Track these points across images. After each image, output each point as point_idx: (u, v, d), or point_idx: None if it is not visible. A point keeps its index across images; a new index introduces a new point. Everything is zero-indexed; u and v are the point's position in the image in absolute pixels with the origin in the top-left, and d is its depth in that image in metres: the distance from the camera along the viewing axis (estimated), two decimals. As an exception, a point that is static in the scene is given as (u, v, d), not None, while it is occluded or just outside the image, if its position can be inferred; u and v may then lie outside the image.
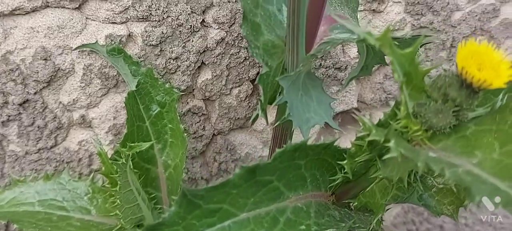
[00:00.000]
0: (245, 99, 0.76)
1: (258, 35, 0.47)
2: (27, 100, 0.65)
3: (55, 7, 0.62)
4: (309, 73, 0.52)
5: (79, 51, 0.65)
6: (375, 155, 0.42)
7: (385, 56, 0.57)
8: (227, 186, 0.36)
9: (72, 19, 0.63)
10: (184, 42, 0.67)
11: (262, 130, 0.81)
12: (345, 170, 0.44)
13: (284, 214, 0.41)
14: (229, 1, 0.67)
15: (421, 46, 0.54)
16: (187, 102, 0.74)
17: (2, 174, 0.69)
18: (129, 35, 0.66)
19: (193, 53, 0.68)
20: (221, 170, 0.82)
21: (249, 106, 0.77)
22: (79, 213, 0.61)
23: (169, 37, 0.66)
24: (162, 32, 0.65)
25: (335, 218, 0.45)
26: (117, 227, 0.59)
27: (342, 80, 0.79)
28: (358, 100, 0.85)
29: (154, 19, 0.65)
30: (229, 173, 0.82)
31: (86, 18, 0.64)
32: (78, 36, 0.64)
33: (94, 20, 0.64)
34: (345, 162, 0.44)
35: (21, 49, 0.62)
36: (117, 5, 0.63)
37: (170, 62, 0.68)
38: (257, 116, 0.49)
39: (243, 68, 0.73)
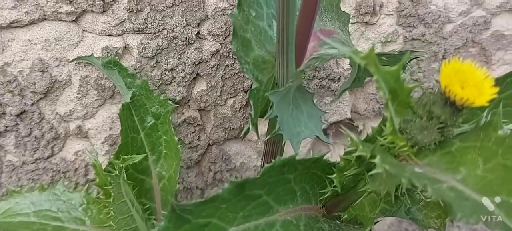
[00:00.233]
0: (239, 109, 0.77)
1: (249, 51, 0.48)
2: (24, 111, 0.66)
3: (52, 20, 0.63)
4: (300, 88, 0.53)
5: (75, 63, 0.66)
6: (363, 169, 0.43)
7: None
8: (216, 201, 0.37)
9: (69, 31, 0.64)
10: (180, 54, 0.68)
11: (256, 140, 0.82)
12: (335, 184, 0.45)
13: (274, 227, 0.41)
14: (223, 14, 0.68)
15: (413, 59, 0.54)
16: (183, 113, 0.75)
17: (0, 184, 0.70)
18: (125, 47, 0.67)
19: (188, 65, 0.69)
20: (216, 179, 0.83)
21: (244, 117, 0.78)
22: (74, 224, 0.62)
23: (165, 49, 0.67)
24: (158, 44, 0.66)
25: (325, 230, 0.46)
26: (111, 238, 0.60)
27: (335, 91, 0.80)
28: (351, 111, 0.85)
29: (149, 32, 0.66)
30: (224, 183, 0.82)
31: (83, 30, 0.65)
32: (75, 48, 0.65)
33: (91, 33, 0.65)
34: (334, 175, 0.44)
35: (18, 61, 0.63)
36: (113, 18, 0.64)
37: (165, 73, 0.69)
38: (248, 129, 0.50)
39: (237, 80, 0.73)
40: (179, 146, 0.64)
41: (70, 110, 0.68)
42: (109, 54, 0.65)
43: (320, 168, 0.46)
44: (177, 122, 0.75)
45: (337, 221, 0.49)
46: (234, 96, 0.75)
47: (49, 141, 0.69)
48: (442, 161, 0.38)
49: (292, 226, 0.43)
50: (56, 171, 0.71)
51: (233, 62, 0.72)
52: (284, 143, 0.51)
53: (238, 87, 0.74)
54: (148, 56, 0.67)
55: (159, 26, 0.65)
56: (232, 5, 0.68)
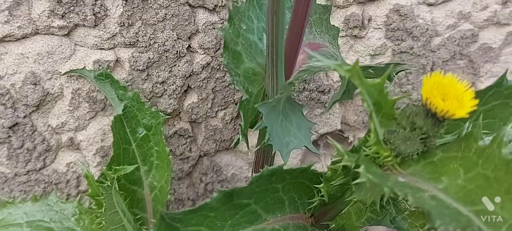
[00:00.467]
0: (230, 121, 0.78)
1: (239, 63, 0.49)
2: (17, 123, 0.67)
3: (44, 34, 0.64)
4: (289, 99, 0.54)
5: (67, 76, 0.66)
6: (349, 179, 0.44)
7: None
8: (204, 209, 0.38)
9: (61, 45, 0.64)
10: (171, 67, 0.69)
11: (247, 151, 0.83)
12: (322, 193, 0.46)
13: (262, 236, 0.42)
14: (214, 28, 0.69)
15: (400, 71, 0.55)
16: (174, 125, 0.76)
17: (-9, 195, 0.70)
18: (117, 60, 0.67)
19: (179, 78, 0.70)
20: (208, 190, 0.84)
21: (235, 129, 0.79)
22: (66, 234, 0.62)
23: (156, 62, 0.68)
24: (149, 58, 0.67)
25: (313, 239, 0.47)
26: (103, 248, 0.61)
27: (325, 103, 0.81)
28: (341, 122, 0.86)
29: (141, 45, 0.67)
30: (215, 194, 0.83)
31: (75, 44, 0.66)
32: (67, 61, 0.66)
33: (83, 46, 0.66)
34: (321, 185, 0.45)
35: (11, 74, 0.64)
36: (105, 32, 0.65)
37: (156, 86, 0.70)
38: (239, 140, 0.51)
39: (228, 92, 0.75)
40: (170, 156, 0.65)
41: (62, 122, 0.69)
42: (100, 67, 0.66)
43: (308, 178, 0.47)
44: (168, 133, 0.76)
45: (325, 230, 0.50)
46: (224, 108, 0.76)
47: (41, 152, 0.69)
48: (425, 171, 0.39)
49: (280, 235, 0.44)
50: (48, 183, 0.72)
51: (223, 75, 0.73)
52: (274, 153, 0.52)
53: (228, 100, 0.75)
54: (139, 69, 0.68)
55: (150, 39, 0.66)
56: (222, 19, 0.69)
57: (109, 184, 0.54)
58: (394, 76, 0.55)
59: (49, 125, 0.69)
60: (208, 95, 0.74)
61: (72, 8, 0.62)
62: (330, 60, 0.36)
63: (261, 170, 0.41)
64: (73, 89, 0.67)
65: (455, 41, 0.81)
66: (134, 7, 0.64)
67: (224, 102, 0.75)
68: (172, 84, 0.70)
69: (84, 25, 0.64)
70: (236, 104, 0.77)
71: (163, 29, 0.66)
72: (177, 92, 0.71)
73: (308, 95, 0.79)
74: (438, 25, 0.80)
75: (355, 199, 0.44)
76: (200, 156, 0.81)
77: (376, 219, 0.47)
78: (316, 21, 0.59)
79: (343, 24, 0.75)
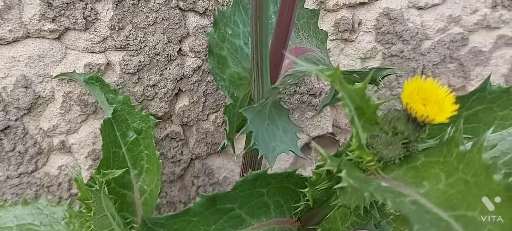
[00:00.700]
0: (222, 124, 0.78)
1: (224, 68, 0.49)
2: (8, 126, 0.67)
3: (35, 37, 0.64)
4: (276, 103, 0.55)
5: (59, 79, 0.67)
6: (334, 183, 0.44)
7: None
8: (187, 214, 0.38)
9: (52, 48, 0.65)
10: (162, 70, 0.69)
11: (239, 154, 0.83)
12: (307, 198, 0.46)
13: (246, 240, 0.42)
14: (204, 31, 0.69)
15: (387, 76, 0.56)
16: (165, 128, 0.76)
17: (-17, 198, 0.71)
18: (108, 63, 0.68)
19: (170, 81, 0.70)
20: (200, 193, 0.84)
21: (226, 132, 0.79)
22: (56, 238, 0.62)
23: (147, 66, 0.68)
24: (140, 61, 0.67)
25: (298, 243, 0.47)
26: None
27: (316, 106, 0.81)
28: (333, 125, 0.87)
29: (131, 48, 0.67)
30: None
31: (66, 47, 0.66)
32: (58, 65, 0.66)
33: (74, 50, 0.66)
34: (306, 190, 0.46)
35: (2, 77, 0.64)
36: (95, 35, 0.65)
37: (148, 89, 0.70)
38: (225, 144, 0.51)
39: (219, 95, 0.75)
40: (161, 160, 0.65)
41: (53, 125, 0.69)
42: (91, 71, 0.67)
43: (294, 182, 0.47)
44: (159, 136, 0.76)
45: (311, 235, 0.50)
46: (216, 112, 0.77)
47: (33, 155, 0.70)
48: (407, 175, 0.39)
49: (265, 239, 0.44)
50: (40, 186, 0.72)
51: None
52: (260, 157, 0.52)
53: (220, 103, 0.76)
54: (130, 73, 0.68)
55: (141, 43, 0.67)
56: (212, 22, 0.69)
57: (98, 187, 0.55)
58: (380, 80, 0.55)
59: (40, 128, 0.69)
60: (200, 99, 0.74)
61: (62, 11, 0.62)
62: (312, 65, 0.36)
63: (244, 174, 0.41)
64: (64, 92, 0.68)
65: (445, 44, 0.82)
66: (124, 11, 0.65)
67: (215, 105, 0.76)
68: (163, 88, 0.71)
69: (74, 29, 0.64)
70: (227, 107, 0.77)
71: (153, 32, 0.67)
72: (168, 96, 0.72)
73: (299, 98, 0.79)
74: (428, 28, 0.80)
75: (339, 203, 0.45)
76: (191, 159, 0.81)
77: (361, 223, 0.47)
78: (303, 25, 0.59)
79: (333, 28, 0.76)
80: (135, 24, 0.66)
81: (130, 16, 0.65)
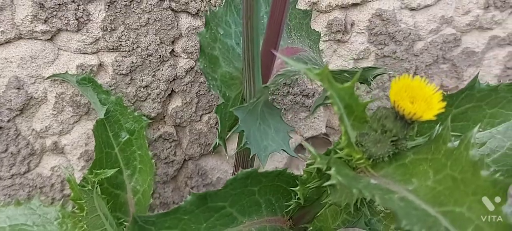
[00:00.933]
0: (215, 125, 0.78)
1: (216, 68, 0.50)
2: (1, 127, 0.67)
3: (28, 38, 0.64)
4: (267, 103, 0.55)
5: (51, 80, 0.67)
6: (324, 181, 0.44)
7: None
8: (178, 212, 0.38)
9: (45, 50, 0.65)
10: (154, 71, 0.70)
11: (232, 155, 0.83)
12: (298, 196, 0.46)
13: (237, 238, 0.43)
14: (197, 32, 0.69)
15: (378, 75, 0.56)
16: (158, 129, 0.76)
17: (-25, 199, 0.71)
18: (100, 64, 0.68)
19: (163, 82, 0.71)
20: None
21: (219, 133, 0.79)
22: (48, 238, 0.62)
23: (139, 67, 0.69)
24: (132, 62, 0.68)
25: (290, 241, 0.47)
26: (85, 252, 0.61)
27: (310, 107, 0.82)
28: (326, 126, 0.87)
29: (124, 49, 0.67)
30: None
31: (58, 48, 0.66)
32: (50, 66, 0.66)
33: (66, 51, 0.66)
34: (297, 188, 0.46)
35: (-6, 78, 0.64)
36: (87, 36, 0.65)
37: (140, 90, 0.70)
38: (217, 144, 0.52)
39: (212, 96, 0.75)
40: (153, 161, 0.65)
41: (46, 126, 0.69)
42: (84, 72, 0.67)
43: (285, 181, 0.47)
44: (153, 137, 0.76)
45: (303, 233, 0.51)
46: (209, 112, 0.77)
47: (26, 156, 0.70)
48: (397, 173, 0.40)
49: (256, 237, 0.44)
50: (33, 187, 0.72)
51: (207, 79, 0.73)
52: (251, 156, 0.52)
53: (213, 104, 0.76)
54: (122, 73, 0.68)
55: (133, 44, 0.67)
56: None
57: (90, 188, 0.55)
58: (371, 80, 0.55)
59: (33, 129, 0.69)
60: (192, 99, 0.74)
61: (55, 13, 0.62)
62: (301, 64, 0.36)
63: (235, 173, 0.42)
64: (56, 93, 0.68)
65: (437, 45, 0.82)
66: (116, 12, 0.65)
67: (209, 106, 0.76)
68: (156, 88, 0.71)
69: (67, 30, 0.64)
70: (220, 108, 0.77)
71: (146, 33, 0.67)
72: (161, 96, 0.72)
73: (292, 99, 0.80)
74: (420, 29, 0.80)
75: (330, 202, 0.45)
76: (185, 160, 0.81)
77: (352, 221, 0.48)
78: (296, 26, 0.59)
79: (326, 29, 0.76)
80: (127, 25, 0.66)
81: (122, 17, 0.65)
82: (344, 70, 0.50)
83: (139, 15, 0.66)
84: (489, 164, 0.48)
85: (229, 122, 0.53)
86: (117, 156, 0.65)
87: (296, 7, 0.60)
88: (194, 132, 0.78)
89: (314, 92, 0.81)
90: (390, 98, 0.37)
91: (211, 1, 0.68)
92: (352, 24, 0.78)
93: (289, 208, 0.49)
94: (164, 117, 0.76)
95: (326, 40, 0.77)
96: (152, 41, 0.67)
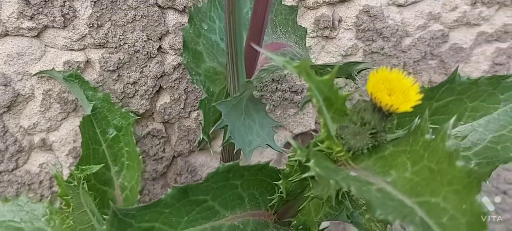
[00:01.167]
0: (203, 122, 0.78)
1: (200, 63, 0.50)
2: (-12, 124, 0.67)
3: (14, 35, 0.64)
4: (252, 98, 0.55)
5: (38, 77, 0.67)
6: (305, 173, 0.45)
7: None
8: (159, 206, 0.38)
9: (31, 46, 0.65)
10: (142, 68, 0.70)
11: (220, 151, 0.83)
12: (281, 189, 0.46)
13: (219, 231, 0.43)
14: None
15: (362, 71, 0.56)
16: (147, 125, 0.77)
17: (-37, 197, 0.71)
18: (87, 61, 0.68)
19: (151, 78, 0.71)
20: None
21: (208, 129, 0.79)
22: (36, 234, 0.63)
23: (127, 63, 0.69)
24: (119, 58, 0.68)
25: (274, 235, 0.48)
26: (72, 247, 0.61)
27: (298, 103, 0.82)
28: (316, 122, 0.87)
29: (111, 46, 0.67)
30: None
31: (45, 45, 0.66)
32: (37, 62, 0.66)
33: (53, 48, 0.66)
34: (280, 182, 0.46)
35: (-19, 75, 0.65)
36: (74, 33, 0.65)
37: (128, 87, 0.70)
38: (201, 139, 0.52)
39: (200, 92, 0.75)
40: (141, 157, 0.65)
41: (33, 123, 0.69)
42: (71, 68, 0.67)
43: (268, 175, 0.48)
44: (141, 134, 0.76)
45: (287, 228, 0.51)
46: (197, 109, 0.77)
47: (14, 153, 0.70)
48: (376, 165, 0.40)
49: (239, 231, 0.44)
50: (21, 184, 0.72)
51: (195, 75, 0.73)
52: (236, 151, 0.53)
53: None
54: (110, 70, 0.68)
55: (120, 40, 0.67)
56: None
57: (75, 184, 0.55)
58: (356, 75, 0.56)
59: (21, 126, 0.69)
60: (181, 96, 0.74)
61: (41, 9, 0.63)
62: (280, 57, 0.37)
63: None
64: (44, 90, 0.68)
65: (425, 41, 0.83)
66: (103, 8, 0.65)
67: (197, 102, 0.76)
68: (144, 85, 0.71)
69: (53, 27, 0.65)
70: (208, 104, 0.78)
71: (132, 30, 0.67)
72: (148, 93, 0.72)
73: (281, 95, 0.80)
74: (408, 25, 0.81)
75: (312, 195, 0.45)
76: (174, 156, 0.81)
77: (334, 214, 0.48)
78: (281, 21, 0.60)
79: (314, 25, 0.76)
80: (114, 22, 0.66)
81: (108, 14, 0.66)
82: (327, 64, 0.50)
83: (125, 11, 0.66)
84: (470, 157, 0.48)
85: (214, 117, 0.53)
86: (105, 153, 0.65)
87: (282, 3, 0.60)
88: (183, 129, 0.78)
89: (303, 89, 0.81)
90: (367, 90, 0.37)
91: (197, -3, 0.69)
92: (339, 21, 0.78)
93: (273, 202, 0.49)
94: (152, 113, 0.76)
95: (314, 37, 0.78)
96: (139, 38, 0.68)
